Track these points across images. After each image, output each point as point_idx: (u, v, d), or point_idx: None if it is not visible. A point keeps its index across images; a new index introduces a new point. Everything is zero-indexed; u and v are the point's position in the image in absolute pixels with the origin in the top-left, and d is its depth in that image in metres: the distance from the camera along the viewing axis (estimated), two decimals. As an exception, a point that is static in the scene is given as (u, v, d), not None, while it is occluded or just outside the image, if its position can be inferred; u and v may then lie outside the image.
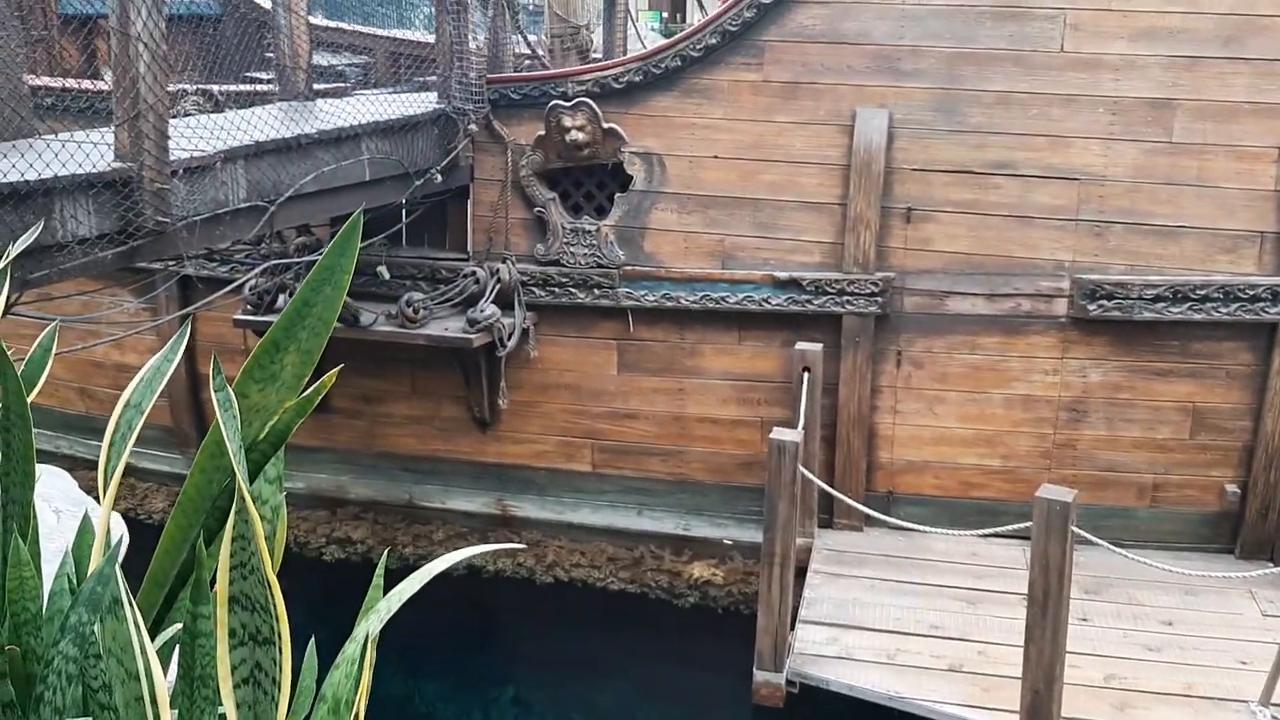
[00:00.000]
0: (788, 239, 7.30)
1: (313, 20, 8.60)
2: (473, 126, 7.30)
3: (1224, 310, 6.92)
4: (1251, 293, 6.88)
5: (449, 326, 7.39)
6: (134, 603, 1.50)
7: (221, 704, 1.53)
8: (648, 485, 7.92)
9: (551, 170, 7.55)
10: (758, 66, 7.16)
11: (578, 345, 7.71)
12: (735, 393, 7.60)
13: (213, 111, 6.89)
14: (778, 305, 7.32)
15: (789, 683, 6.13)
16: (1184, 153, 6.85)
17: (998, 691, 5.81)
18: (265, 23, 7.49)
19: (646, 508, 7.97)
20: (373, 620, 1.69)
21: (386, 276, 7.65)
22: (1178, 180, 6.89)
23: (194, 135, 5.55)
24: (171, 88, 5.64)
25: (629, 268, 7.47)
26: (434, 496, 8.31)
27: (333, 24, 10.39)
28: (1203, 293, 6.92)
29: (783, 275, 7.27)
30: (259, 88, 7.70)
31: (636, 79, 7.26)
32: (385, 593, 1.76)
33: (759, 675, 6.21)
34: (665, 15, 15.34)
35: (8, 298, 3.25)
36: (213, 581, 1.55)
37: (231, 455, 1.45)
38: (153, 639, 1.69)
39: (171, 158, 5.11)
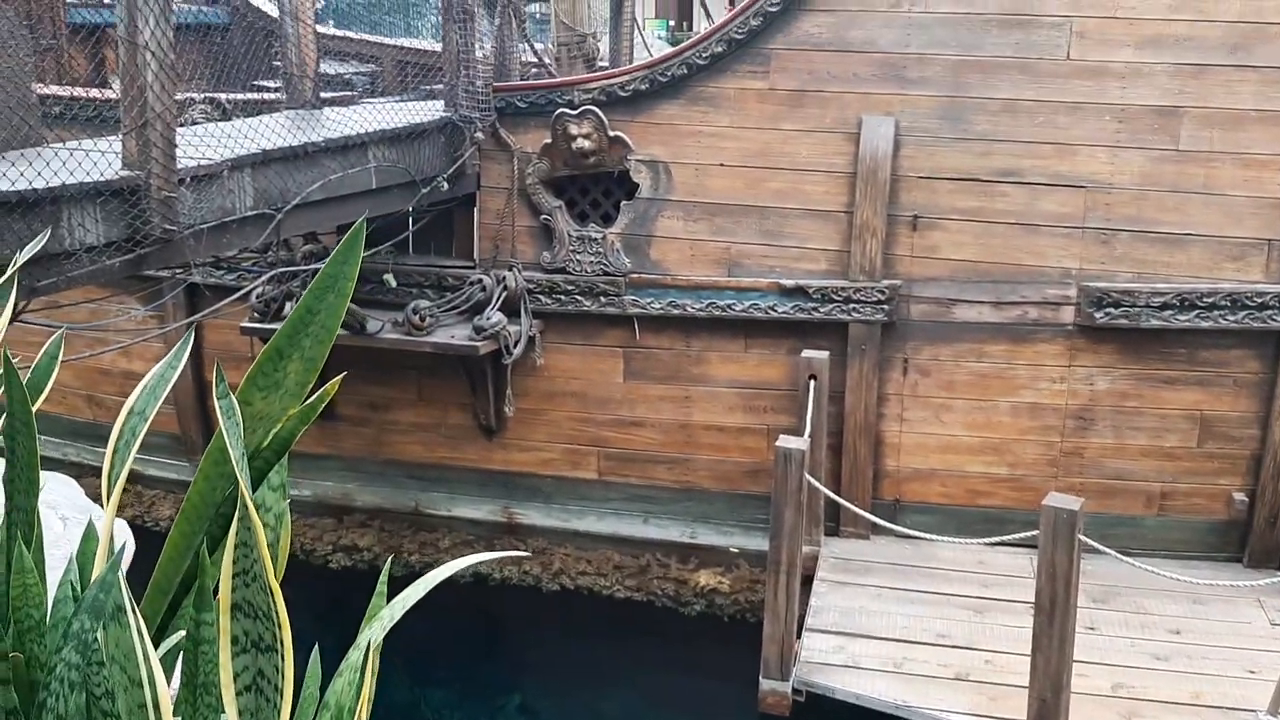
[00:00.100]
0: (794, 247, 7.30)
1: (321, 29, 8.64)
2: (479, 134, 7.32)
3: (1231, 318, 6.91)
4: (1259, 300, 6.87)
5: (455, 334, 7.41)
6: (137, 609, 1.50)
7: (224, 711, 1.53)
8: (654, 493, 7.91)
9: (558, 178, 7.56)
10: (764, 74, 7.17)
11: (584, 353, 7.71)
12: (741, 400, 7.59)
13: (220, 120, 6.91)
14: (784, 313, 7.32)
15: (795, 691, 6.12)
16: (1191, 160, 6.84)
17: (1005, 700, 5.79)
18: (273, 31, 7.52)
19: (652, 515, 7.97)
20: (376, 628, 1.69)
21: (393, 284, 7.66)
22: (1184, 188, 6.88)
23: (201, 143, 5.57)
24: (179, 96, 5.66)
25: (635, 275, 7.47)
26: (440, 504, 8.32)
27: (340, 33, 10.43)
28: (1210, 300, 6.90)
29: (789, 283, 7.27)
30: (266, 96, 7.72)
31: (643, 87, 7.28)
32: (389, 600, 1.76)
33: (765, 683, 6.20)
34: (672, 23, 15.38)
35: (15, 305, 3.26)
36: (216, 589, 1.55)
37: (234, 463, 1.45)
38: (157, 646, 1.69)
39: (179, 166, 5.12)
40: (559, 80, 7.95)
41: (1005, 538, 6.05)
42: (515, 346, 7.41)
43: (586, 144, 7.28)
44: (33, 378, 2.19)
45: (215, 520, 1.68)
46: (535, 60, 9.30)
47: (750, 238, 7.34)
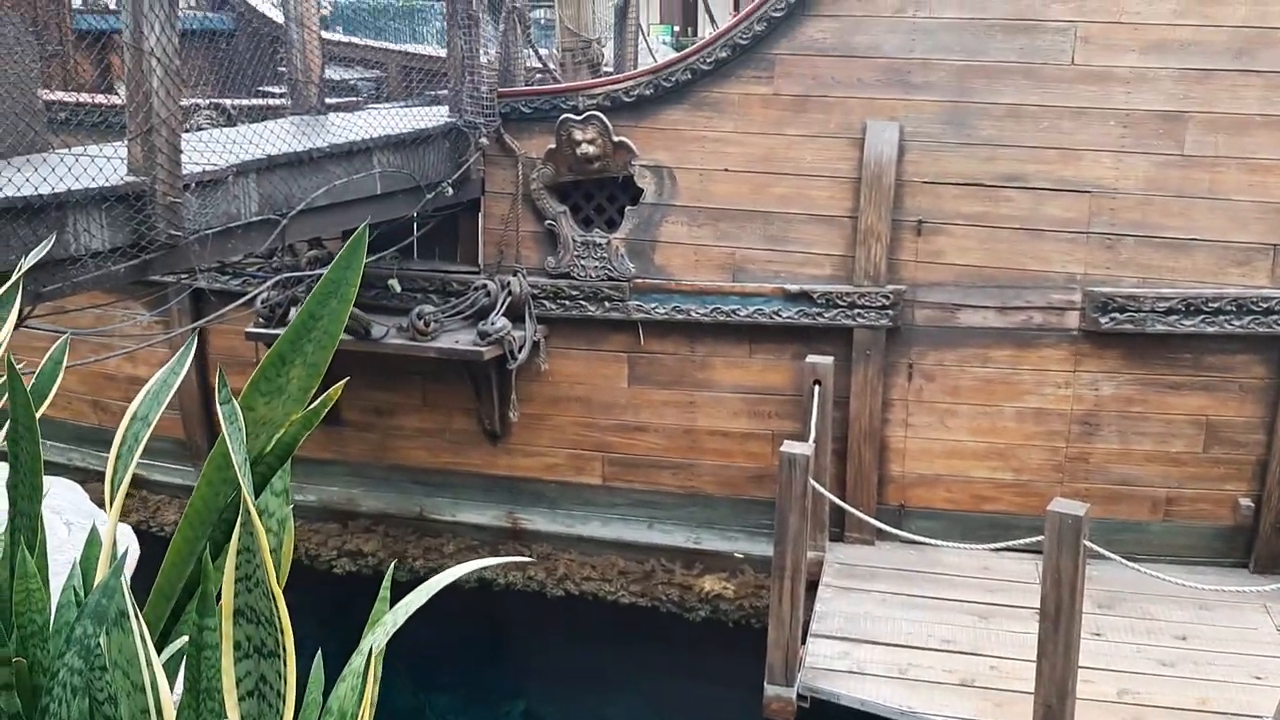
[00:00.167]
0: (798, 252, 7.30)
1: (326, 35, 8.67)
2: (484, 140, 7.33)
3: (1237, 323, 6.90)
4: (1265, 305, 6.86)
5: (460, 339, 7.41)
6: (140, 615, 1.50)
7: (227, 716, 1.53)
8: (658, 498, 7.91)
9: (562, 183, 7.57)
10: (768, 80, 7.17)
11: (588, 358, 7.72)
12: (746, 406, 7.59)
13: (225, 125, 6.93)
14: (788, 318, 7.31)
15: (800, 697, 6.10)
16: (1196, 165, 6.83)
17: (1010, 707, 5.78)
18: (278, 38, 7.54)
19: (657, 521, 7.96)
20: (379, 633, 1.68)
21: (398, 289, 7.67)
22: (1189, 193, 6.87)
23: (206, 149, 5.58)
24: (184, 102, 5.67)
25: (639, 280, 7.48)
26: (445, 509, 8.32)
27: (346, 39, 10.46)
28: (1215, 305, 6.89)
29: (793, 288, 7.27)
30: (272, 102, 7.74)
31: (647, 92, 7.28)
32: (392, 606, 1.76)
33: (770, 689, 6.19)
34: (677, 29, 15.39)
35: (20, 310, 3.27)
36: (219, 594, 1.55)
37: (237, 468, 1.45)
38: (160, 651, 1.69)
39: (184, 171, 5.14)
40: (563, 86, 7.96)
41: (1010, 543, 6.04)
42: (520, 352, 7.41)
43: (591, 149, 7.29)
44: (37, 383, 2.19)
45: (218, 526, 1.68)
46: (540, 66, 9.31)
47: (755, 243, 7.34)
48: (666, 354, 7.61)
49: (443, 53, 7.84)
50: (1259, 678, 6.03)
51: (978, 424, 7.35)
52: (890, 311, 7.16)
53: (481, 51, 7.27)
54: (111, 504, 1.63)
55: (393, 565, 2.36)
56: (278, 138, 5.97)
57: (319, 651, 1.88)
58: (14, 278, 2.36)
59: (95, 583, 1.65)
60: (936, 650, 6.34)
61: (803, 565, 6.26)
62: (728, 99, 7.23)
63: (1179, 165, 6.86)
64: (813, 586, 6.84)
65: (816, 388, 7.05)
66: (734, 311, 7.37)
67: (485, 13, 7.40)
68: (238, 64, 7.87)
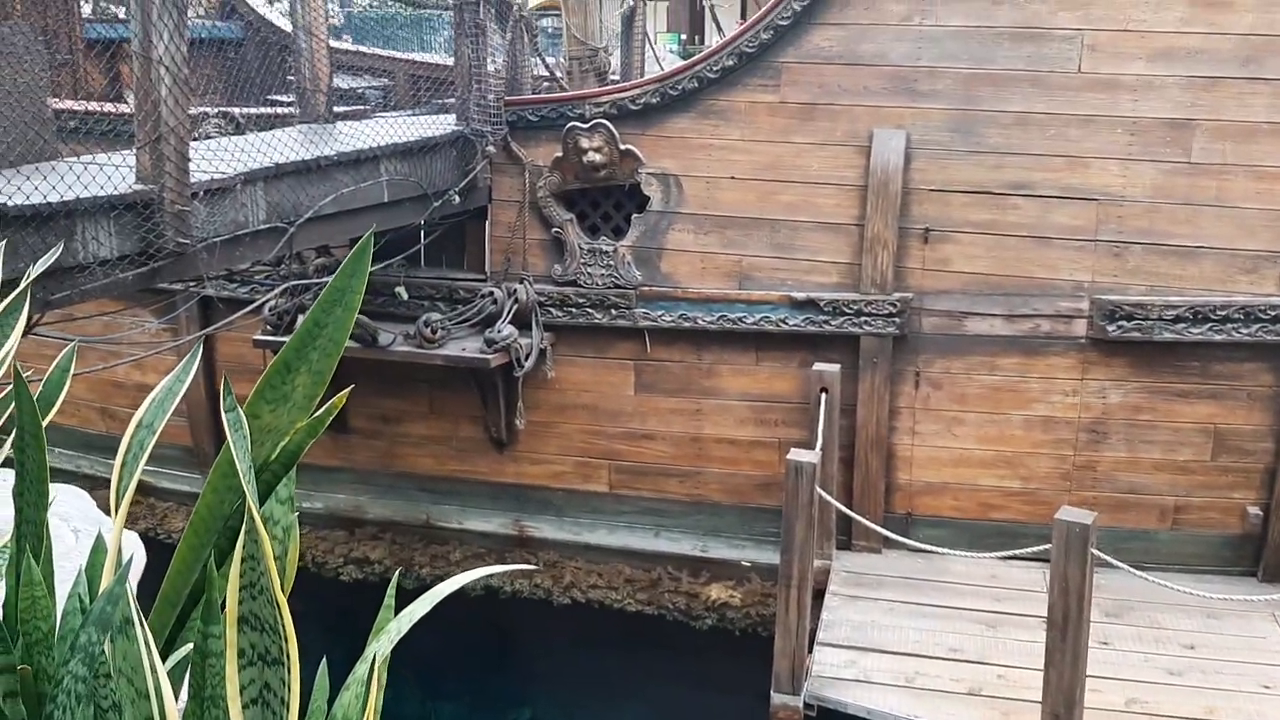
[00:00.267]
0: (805, 259, 7.30)
1: (335, 44, 8.70)
2: (491, 148, 7.34)
3: (1245, 331, 6.88)
4: (1273, 313, 6.84)
5: (466, 347, 7.42)
6: (144, 622, 1.51)
7: (231, 724, 1.54)
8: (665, 506, 7.90)
9: (569, 191, 7.58)
10: (774, 88, 7.18)
11: (595, 366, 7.72)
12: (753, 413, 7.59)
13: (234, 134, 6.96)
14: (795, 326, 7.31)
15: (807, 705, 6.09)
16: (1203, 173, 6.83)
17: (1017, 716, 5.75)
18: (286, 46, 7.56)
19: (664, 529, 7.96)
20: (383, 641, 1.69)
21: (405, 297, 7.69)
22: (1197, 200, 6.86)
23: (215, 157, 5.60)
24: (193, 111, 5.70)
25: (646, 288, 7.48)
26: (451, 517, 8.32)
27: (354, 47, 10.49)
28: (1223, 313, 6.87)
29: (800, 296, 7.27)
30: (280, 110, 7.77)
31: (654, 100, 7.29)
32: (398, 613, 1.77)
33: (776, 698, 6.17)
34: (684, 37, 15.41)
35: (29, 318, 3.28)
36: (224, 602, 1.56)
37: (241, 476, 1.46)
38: (166, 658, 1.70)
39: (192, 180, 5.15)
40: (570, 94, 7.98)
41: (1018, 552, 6.02)
42: (526, 359, 7.42)
43: (597, 157, 7.30)
44: (45, 391, 2.20)
45: (224, 533, 1.69)
46: (547, 74, 9.33)
47: (761, 251, 7.34)
48: (673, 362, 7.61)
49: (450, 61, 7.85)
50: (1267, 687, 6.01)
51: (985, 432, 7.34)
52: (897, 319, 7.16)
53: (489, 60, 7.29)
54: (116, 511, 1.63)
55: (398, 573, 2.37)
56: (286, 146, 5.99)
57: (324, 659, 1.89)
58: (22, 285, 2.37)
59: (100, 590, 1.66)
60: (944, 659, 6.32)
61: (809, 573, 6.26)
62: (734, 107, 7.24)
63: (1186, 173, 6.85)
64: (819, 595, 6.83)
65: (823, 395, 7.05)
66: (740, 319, 7.38)
67: (492, 21, 7.42)
68: (246, 72, 7.89)
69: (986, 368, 7.24)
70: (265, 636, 1.52)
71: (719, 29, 13.13)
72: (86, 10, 9.26)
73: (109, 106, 7.20)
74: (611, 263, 7.48)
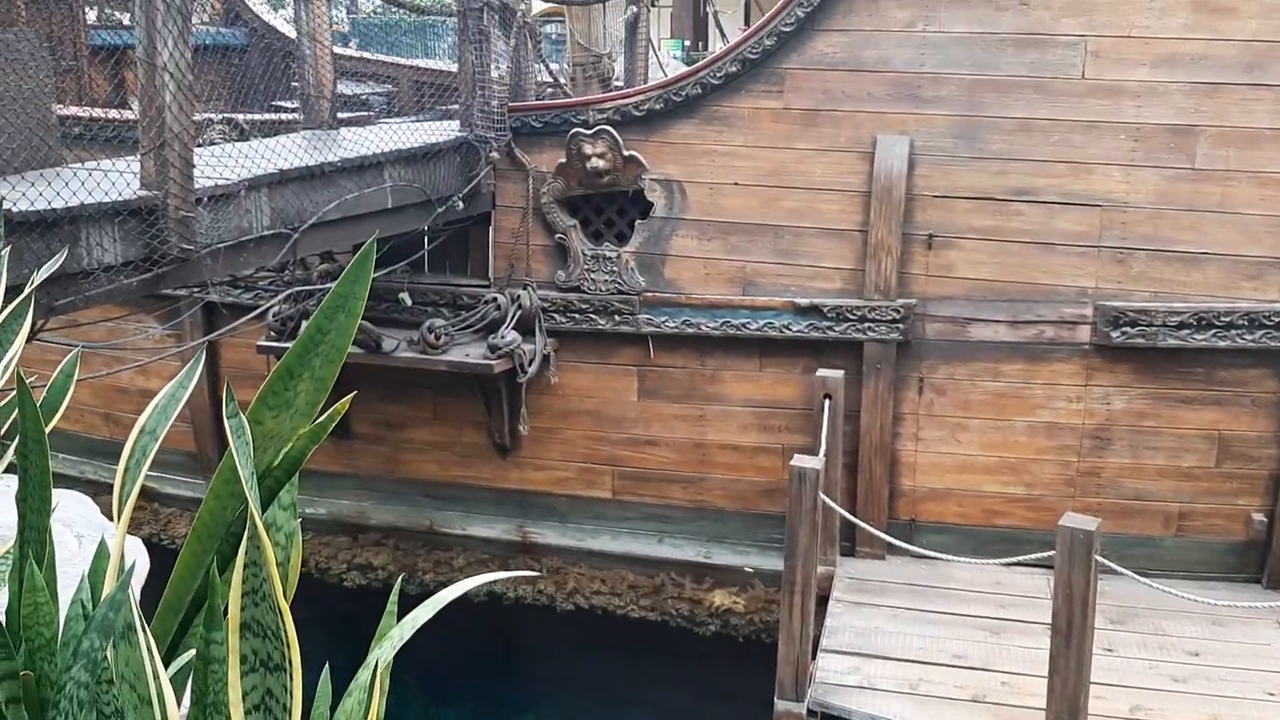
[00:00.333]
0: (808, 265, 7.30)
1: (339, 50, 8.71)
2: (494, 154, 7.35)
3: (1249, 337, 6.87)
4: (1277, 319, 6.83)
5: (470, 353, 7.42)
6: (147, 628, 1.51)
7: (233, 730, 1.54)
8: (668, 512, 7.90)
9: (572, 197, 7.58)
10: (778, 94, 7.19)
11: (598, 371, 7.72)
12: (756, 419, 7.58)
13: (238, 140, 6.97)
14: (799, 332, 7.31)
15: (810, 712, 6.08)
16: (1207, 179, 6.82)
17: (1021, 722, 5.75)
18: (290, 53, 7.58)
19: (667, 535, 7.95)
20: (385, 647, 1.69)
21: (409, 303, 7.69)
22: (1200, 207, 6.85)
23: (219, 163, 5.61)
24: (197, 117, 5.71)
25: (649, 294, 7.48)
26: (455, 523, 8.32)
27: (357, 54, 10.51)
28: (1227, 319, 6.87)
29: (804, 302, 7.27)
30: (284, 116, 7.78)
31: (657, 106, 7.30)
32: (400, 620, 1.77)
33: (780, 704, 6.16)
34: (687, 43, 15.42)
35: (33, 324, 3.29)
36: (227, 608, 1.56)
37: (244, 482, 1.46)
38: (169, 665, 1.70)
39: (196, 186, 5.16)
40: (574, 100, 8.00)
41: (1022, 558, 6.01)
42: (530, 365, 7.42)
43: (601, 163, 7.31)
44: (48, 396, 2.20)
45: (226, 539, 1.69)
46: (550, 80, 9.35)
47: (765, 257, 7.34)
48: (676, 368, 7.61)
49: (454, 67, 7.87)
50: (1272, 694, 5.99)
51: (989, 438, 7.34)
52: (901, 325, 7.15)
53: (492, 66, 7.30)
54: (119, 517, 1.63)
55: (401, 579, 2.37)
56: (290, 152, 6.00)
57: (326, 665, 1.89)
58: (26, 291, 2.38)
59: (103, 596, 1.66)
60: (948, 666, 6.31)
61: (813, 580, 6.25)
62: (738, 113, 7.25)
63: (1190, 179, 6.84)
64: (823, 601, 6.82)
65: (827, 401, 7.04)
66: (744, 325, 7.37)
67: (496, 28, 7.43)
68: (250, 79, 7.91)
69: (990, 374, 7.23)
70: (267, 643, 1.52)
71: (722, 35, 13.14)
72: (91, 17, 9.28)
73: (113, 112, 7.21)
74: (615, 269, 7.49)
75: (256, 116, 7.56)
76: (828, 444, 6.89)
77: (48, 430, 1.89)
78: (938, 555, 6.53)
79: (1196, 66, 6.74)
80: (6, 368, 2.11)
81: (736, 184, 7.30)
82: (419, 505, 8.38)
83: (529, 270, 7.65)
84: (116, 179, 4.89)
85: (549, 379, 7.67)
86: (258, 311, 7.21)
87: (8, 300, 2.29)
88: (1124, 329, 6.96)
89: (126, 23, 8.86)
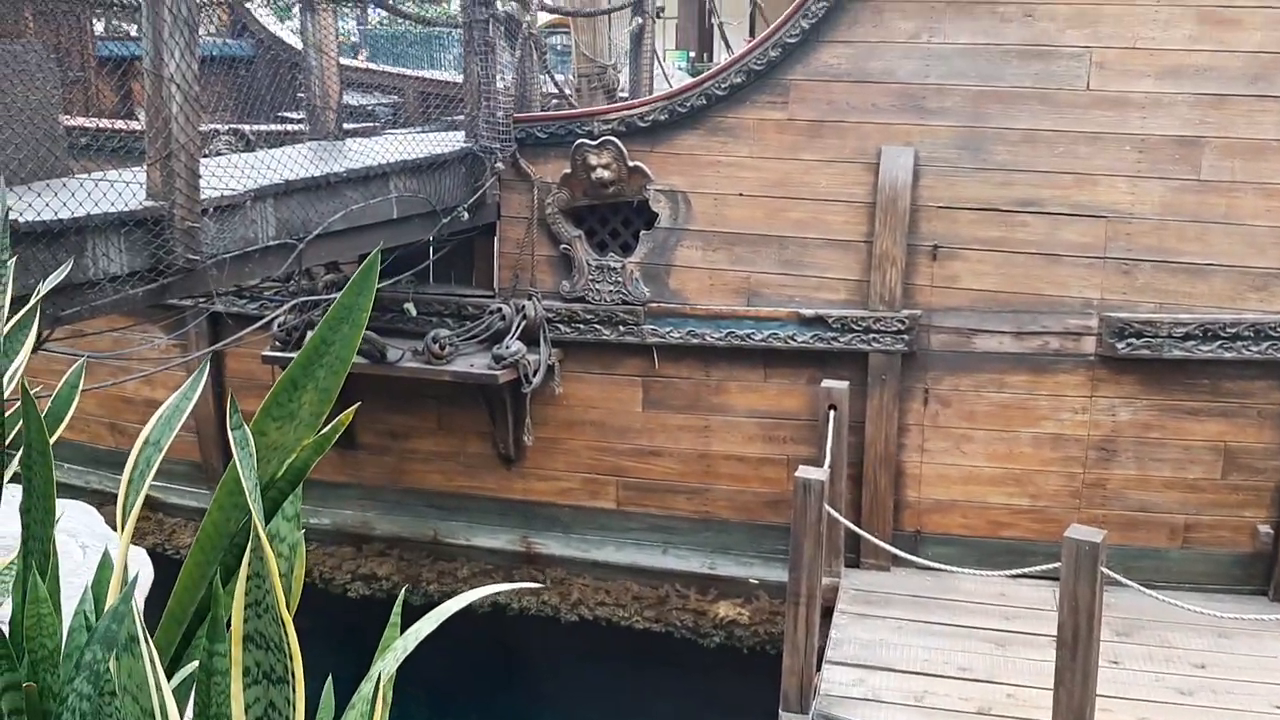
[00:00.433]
0: (813, 276, 7.30)
1: (347, 61, 8.74)
2: (499, 165, 7.37)
3: (1255, 349, 6.86)
4: (1283, 331, 6.82)
5: (475, 363, 7.43)
6: (150, 640, 1.50)
7: (236, 742, 1.53)
8: (673, 523, 7.89)
9: (577, 208, 7.59)
10: (783, 105, 7.20)
11: (603, 382, 7.72)
12: (761, 430, 7.57)
13: (244, 151, 6.99)
14: (804, 343, 7.31)
15: (814, 724, 6.06)
16: (1212, 190, 6.82)
17: (1027, 735, 5.72)
18: (297, 64, 7.60)
19: (672, 546, 7.94)
20: (388, 659, 1.68)
21: (413, 313, 7.70)
22: (1206, 218, 6.85)
23: (225, 174, 5.63)
24: (203, 128, 5.72)
25: (654, 305, 7.48)
26: (459, 533, 8.31)
27: (363, 65, 10.54)
28: (1233, 331, 6.85)
29: (808, 313, 7.27)
30: (290, 127, 7.80)
31: (662, 117, 7.31)
32: (404, 631, 1.76)
33: (785, 716, 6.15)
34: (692, 54, 15.44)
35: (39, 334, 3.29)
36: (230, 620, 1.56)
37: (247, 494, 1.46)
38: (171, 676, 1.70)
39: (202, 196, 5.17)
40: (579, 111, 8.00)
41: (1027, 570, 5.99)
42: (534, 375, 7.42)
43: (606, 174, 7.32)
44: (54, 406, 2.21)
45: (230, 550, 1.69)
46: (556, 91, 9.36)
47: (769, 267, 7.34)
48: (681, 378, 7.61)
49: (460, 78, 7.89)
50: (1278, 707, 5.96)
51: (994, 449, 7.32)
52: (905, 336, 7.15)
53: (498, 77, 7.32)
54: (123, 529, 1.63)
55: (404, 590, 2.36)
56: (295, 163, 6.02)
57: (329, 677, 1.88)
58: (32, 301, 2.38)
59: (106, 608, 1.66)
60: (953, 678, 6.29)
61: (818, 591, 6.23)
62: (743, 124, 7.26)
63: (1195, 190, 6.84)
64: (828, 613, 6.80)
65: (832, 412, 7.03)
66: (749, 336, 7.37)
67: (502, 39, 7.46)
68: (257, 90, 7.93)
69: (995, 385, 7.22)
70: (270, 655, 1.52)
71: (727, 47, 13.17)
72: (99, 28, 9.32)
73: (120, 123, 7.23)
74: (619, 279, 7.49)
75: (262, 127, 7.58)
76: (832, 455, 6.87)
77: (53, 440, 1.89)
78: (943, 567, 6.51)
79: (1202, 78, 6.74)
80: (12, 378, 2.11)
81: (741, 195, 7.31)
82: (423, 515, 8.38)
83: (534, 280, 7.66)
84: (123, 189, 4.91)
85: (554, 389, 7.67)
86: (263, 322, 7.22)
87: (13, 310, 2.29)
88: (1129, 340, 6.95)
89: (133, 34, 8.89)
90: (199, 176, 5.14)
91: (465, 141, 7.39)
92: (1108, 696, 5.71)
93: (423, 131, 8.20)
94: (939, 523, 7.49)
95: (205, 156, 5.65)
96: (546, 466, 7.98)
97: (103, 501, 5.98)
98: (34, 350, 2.36)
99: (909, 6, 6.99)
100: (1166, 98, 6.78)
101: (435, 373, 7.41)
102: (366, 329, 1.74)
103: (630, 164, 7.32)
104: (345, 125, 7.62)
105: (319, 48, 7.16)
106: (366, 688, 1.64)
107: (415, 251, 7.30)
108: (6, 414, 2.18)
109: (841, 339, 7.24)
